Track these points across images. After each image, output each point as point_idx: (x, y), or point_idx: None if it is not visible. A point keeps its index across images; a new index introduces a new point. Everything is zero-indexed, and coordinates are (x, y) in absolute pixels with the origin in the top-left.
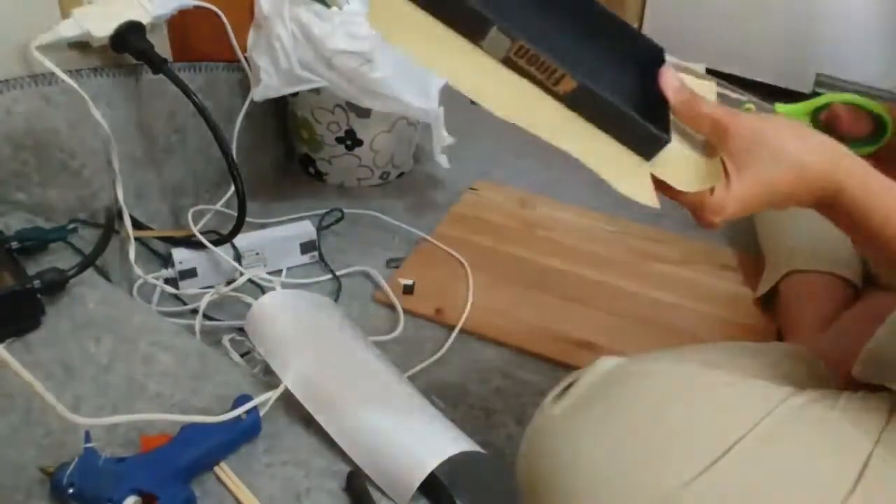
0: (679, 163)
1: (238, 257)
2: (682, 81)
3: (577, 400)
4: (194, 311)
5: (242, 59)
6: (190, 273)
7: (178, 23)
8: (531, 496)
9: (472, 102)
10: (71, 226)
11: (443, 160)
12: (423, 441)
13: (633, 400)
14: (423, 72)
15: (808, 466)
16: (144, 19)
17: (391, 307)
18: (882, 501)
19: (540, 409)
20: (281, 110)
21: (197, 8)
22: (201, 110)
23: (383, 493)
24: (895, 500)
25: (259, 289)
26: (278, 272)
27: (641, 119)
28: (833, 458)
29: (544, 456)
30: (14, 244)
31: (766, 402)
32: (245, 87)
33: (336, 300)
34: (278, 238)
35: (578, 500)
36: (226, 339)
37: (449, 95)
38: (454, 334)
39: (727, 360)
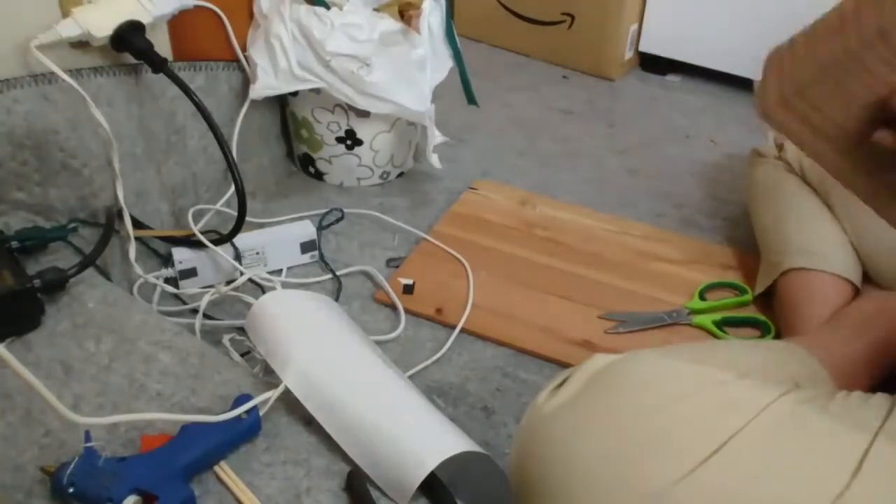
0: None
1: (238, 257)
2: None
3: (570, 397)
4: (194, 311)
5: (242, 59)
6: (190, 272)
7: (178, 23)
8: (523, 492)
9: (471, 102)
10: (71, 225)
11: (434, 160)
12: (423, 441)
13: (625, 397)
14: (417, 75)
15: (801, 465)
16: (145, 19)
17: (391, 307)
18: (876, 501)
19: (532, 406)
20: (281, 110)
21: (197, 8)
22: (201, 110)
23: (383, 493)
24: (889, 499)
25: (259, 288)
26: (278, 272)
27: None
28: (826, 457)
29: (536, 452)
30: (14, 244)
31: (759, 400)
32: (245, 86)
33: (336, 300)
34: (278, 238)
35: (569, 497)
36: (226, 339)
37: (449, 95)
38: (454, 334)
39: (722, 358)
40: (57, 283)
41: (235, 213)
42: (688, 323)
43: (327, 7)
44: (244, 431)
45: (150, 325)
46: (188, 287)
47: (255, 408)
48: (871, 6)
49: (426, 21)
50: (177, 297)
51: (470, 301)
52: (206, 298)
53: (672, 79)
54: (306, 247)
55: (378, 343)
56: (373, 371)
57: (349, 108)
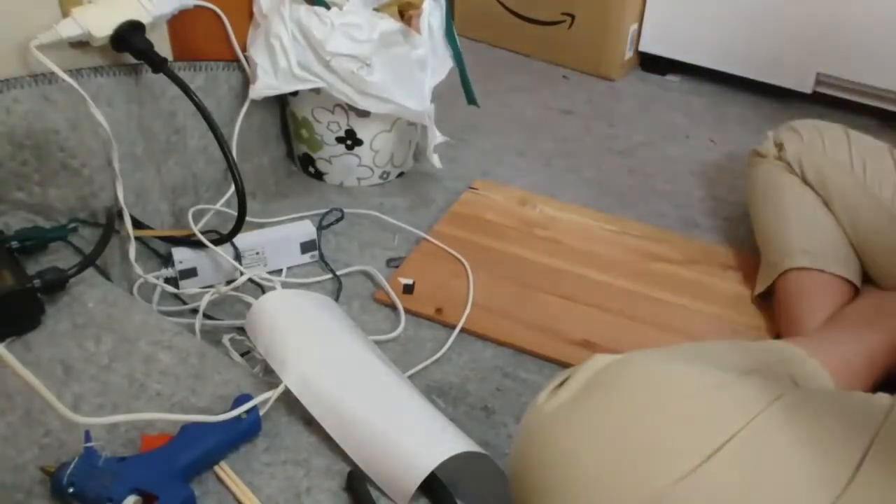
0: None
1: (238, 257)
2: None
3: (570, 397)
4: (194, 311)
5: (242, 59)
6: (190, 272)
7: (178, 23)
8: (523, 492)
9: (471, 102)
10: (71, 225)
11: (435, 160)
12: (423, 441)
13: (625, 398)
14: (417, 75)
15: (800, 466)
16: (145, 19)
17: (391, 307)
18: (875, 501)
19: (532, 406)
20: (281, 110)
21: (197, 8)
22: (201, 110)
23: (383, 493)
24: (889, 499)
25: (259, 288)
26: (278, 272)
27: None
28: (826, 458)
29: (536, 452)
30: (14, 244)
31: (758, 400)
32: (245, 86)
33: (336, 300)
34: (278, 238)
35: (569, 497)
36: (226, 339)
37: (449, 94)
38: (454, 334)
39: (722, 359)
40: (57, 283)
41: (235, 213)
42: None
43: (327, 7)
44: (244, 431)
45: (150, 325)
46: (188, 287)
47: (255, 408)
48: None
49: (426, 21)
50: (177, 297)
51: (470, 301)
52: (206, 298)
53: (672, 79)
54: (306, 247)
55: (378, 343)
56: (373, 371)
57: (349, 108)
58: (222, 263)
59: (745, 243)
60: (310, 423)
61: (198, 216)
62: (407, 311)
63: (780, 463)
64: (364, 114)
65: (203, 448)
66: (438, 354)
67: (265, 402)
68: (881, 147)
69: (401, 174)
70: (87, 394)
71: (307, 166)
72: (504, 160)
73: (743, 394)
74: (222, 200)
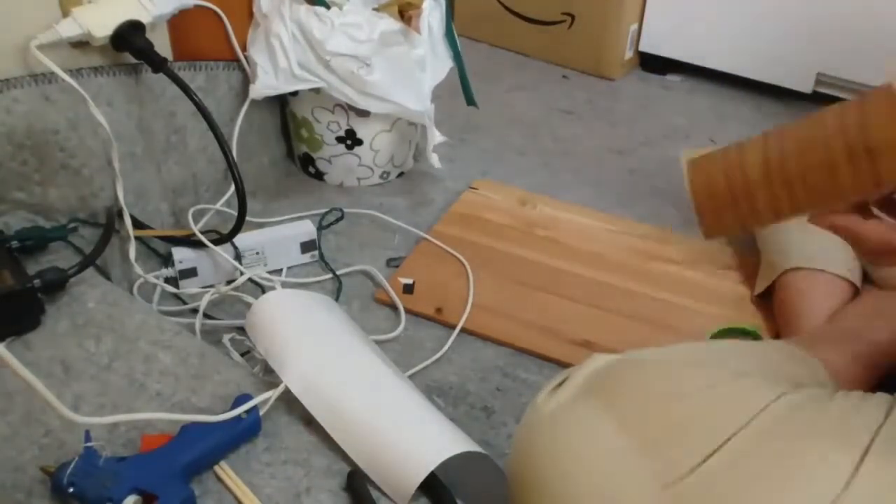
0: None
1: (238, 257)
2: None
3: (570, 396)
4: (194, 311)
5: (242, 59)
6: (190, 272)
7: (178, 22)
8: (523, 492)
9: (470, 103)
10: (71, 225)
11: (434, 159)
12: (423, 441)
13: (625, 397)
14: (417, 75)
15: (801, 464)
16: (145, 18)
17: (391, 306)
18: (875, 501)
19: (532, 405)
20: (281, 110)
21: (197, 8)
22: (201, 110)
23: (383, 493)
24: (889, 499)
25: (259, 288)
26: (278, 271)
27: None
28: (826, 457)
29: (536, 452)
30: (14, 243)
31: (758, 400)
32: (245, 86)
33: (336, 299)
34: (278, 237)
35: (568, 497)
36: (226, 339)
37: (449, 95)
38: (454, 334)
39: (722, 358)
40: (57, 283)
41: (235, 213)
42: None
43: (327, 7)
44: (244, 431)
45: (150, 325)
46: (188, 287)
47: (255, 408)
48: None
49: (426, 21)
50: (177, 296)
51: (470, 301)
52: (206, 298)
53: (672, 79)
54: (306, 247)
55: (378, 343)
56: (373, 371)
57: (349, 108)
58: (222, 263)
59: (745, 243)
60: (310, 423)
61: (198, 216)
62: (407, 311)
63: (779, 463)
64: (364, 114)
65: (203, 448)
66: (438, 354)
67: (265, 402)
68: None
69: (401, 174)
70: (87, 394)
71: (307, 166)
72: (504, 160)
73: (742, 393)
74: (222, 200)
